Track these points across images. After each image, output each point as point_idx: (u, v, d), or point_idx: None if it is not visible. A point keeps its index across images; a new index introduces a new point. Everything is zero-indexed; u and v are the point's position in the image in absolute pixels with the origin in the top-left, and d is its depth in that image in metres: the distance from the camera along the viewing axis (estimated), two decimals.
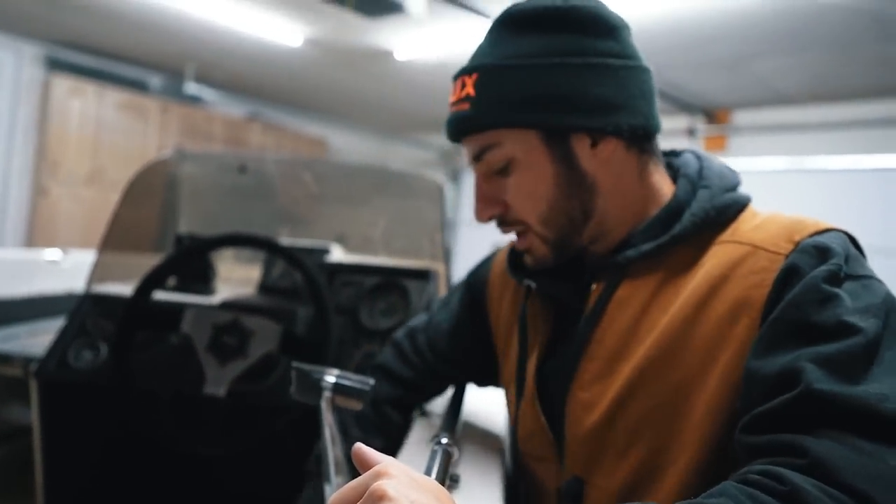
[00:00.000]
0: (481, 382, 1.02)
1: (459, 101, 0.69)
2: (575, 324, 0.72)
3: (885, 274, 0.64)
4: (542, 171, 0.68)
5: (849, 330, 0.53)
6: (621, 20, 0.70)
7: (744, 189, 0.72)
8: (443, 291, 1.45)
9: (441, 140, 7.62)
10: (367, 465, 0.47)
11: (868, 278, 0.58)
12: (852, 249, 0.61)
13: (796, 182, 4.77)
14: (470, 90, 0.68)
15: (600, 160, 0.69)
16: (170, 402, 1.32)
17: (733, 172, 0.73)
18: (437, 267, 1.47)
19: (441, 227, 1.56)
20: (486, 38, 0.71)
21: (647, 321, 0.66)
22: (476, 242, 6.99)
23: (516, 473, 0.90)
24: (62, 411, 1.39)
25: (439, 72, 4.98)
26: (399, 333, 1.04)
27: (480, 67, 0.68)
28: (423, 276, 1.40)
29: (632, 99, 0.68)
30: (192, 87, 5.40)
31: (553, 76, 0.66)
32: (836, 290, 0.56)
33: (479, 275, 0.98)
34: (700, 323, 0.62)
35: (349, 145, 7.86)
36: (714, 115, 5.19)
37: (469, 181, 7.73)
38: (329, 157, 7.59)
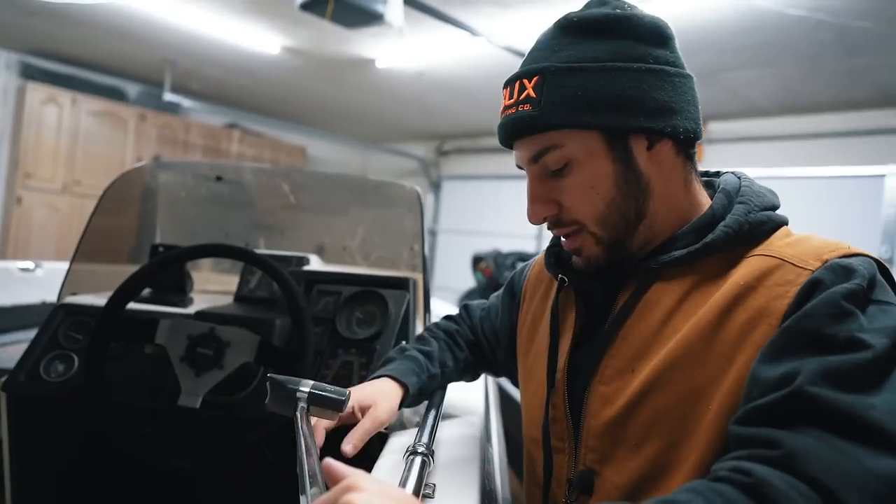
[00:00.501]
0: (500, 373, 1.11)
1: (519, 102, 0.71)
2: (603, 321, 0.75)
3: None
4: (602, 171, 0.71)
5: (858, 345, 0.55)
6: (672, 31, 0.73)
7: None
8: (421, 300, 1.45)
9: (422, 149, 7.64)
10: (338, 479, 0.47)
11: (890, 304, 0.60)
12: (879, 276, 0.62)
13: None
14: (531, 92, 0.70)
15: (655, 162, 0.72)
16: (144, 415, 1.30)
17: (773, 194, 0.76)
18: (416, 276, 1.47)
19: (419, 236, 1.56)
20: (543, 42, 0.73)
21: (672, 324, 0.68)
22: (456, 251, 7.02)
23: (526, 464, 0.92)
24: (33, 425, 1.36)
25: (419, 81, 5.00)
26: (467, 304, 1.15)
27: (542, 70, 0.70)
28: (401, 285, 1.40)
29: (685, 104, 0.72)
30: (170, 96, 5.35)
31: (615, 79, 0.68)
32: (855, 308, 0.57)
33: (520, 272, 1.03)
34: (723, 329, 0.64)
35: (329, 154, 7.84)
36: None
37: (448, 190, 7.74)
38: (308, 166, 7.57)
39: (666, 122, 0.70)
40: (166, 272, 1.36)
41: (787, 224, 0.73)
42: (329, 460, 0.52)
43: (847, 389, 0.52)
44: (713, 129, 5.22)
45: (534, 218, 0.76)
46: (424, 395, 0.99)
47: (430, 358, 1.01)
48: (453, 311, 1.18)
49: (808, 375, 0.53)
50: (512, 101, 0.72)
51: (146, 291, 1.52)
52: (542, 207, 0.74)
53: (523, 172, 0.79)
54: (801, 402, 0.53)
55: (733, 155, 5.12)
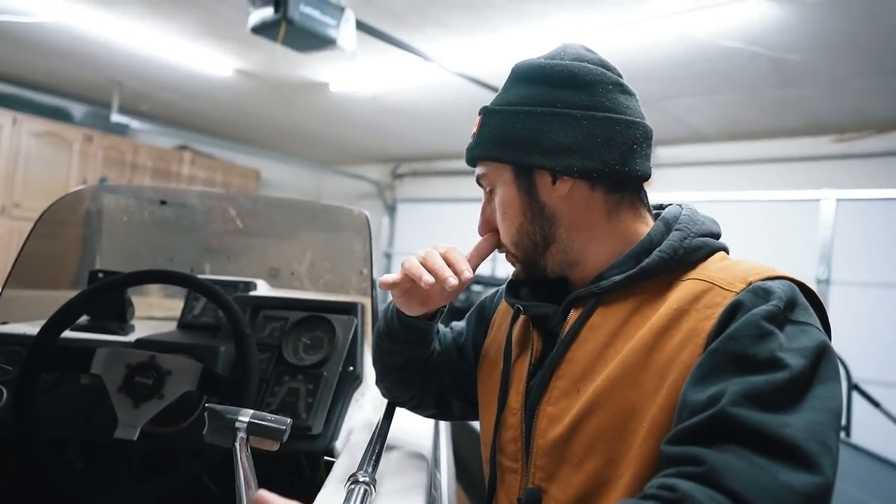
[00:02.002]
0: (456, 399, 1.05)
1: (472, 134, 0.84)
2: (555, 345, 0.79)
3: None
4: (510, 198, 0.81)
5: (777, 365, 0.59)
6: (605, 77, 0.78)
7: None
8: (370, 325, 1.44)
9: (377, 172, 7.64)
10: None
11: (807, 325, 0.64)
12: (800, 297, 0.66)
13: (712, 214, 5.04)
14: (475, 127, 0.84)
15: (560, 195, 0.78)
16: (78, 449, 1.25)
17: (714, 223, 0.81)
18: (364, 300, 1.47)
19: (369, 260, 1.56)
20: (504, 84, 0.85)
21: (614, 346, 0.72)
22: None
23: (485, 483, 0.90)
24: None
25: (373, 105, 5.03)
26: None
27: (483, 110, 0.83)
28: (349, 310, 1.39)
29: (591, 146, 0.76)
30: (117, 117, 5.23)
31: (521, 121, 0.78)
32: (774, 328, 0.61)
33: (492, 297, 1.05)
34: (657, 350, 0.68)
35: (283, 177, 7.76)
36: None
37: (403, 213, 7.74)
38: (262, 189, 7.47)
39: (559, 161, 0.76)
40: (104, 299, 1.31)
41: (725, 250, 0.78)
42: (262, 493, 0.51)
43: (766, 409, 0.56)
44: (660, 153, 5.39)
45: (480, 230, 0.88)
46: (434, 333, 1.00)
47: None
48: None
49: (731, 396, 0.57)
50: (473, 132, 0.84)
51: (83, 319, 1.46)
52: (484, 226, 0.87)
53: (478, 195, 0.89)
54: (723, 421, 0.56)
55: (679, 179, 5.30)
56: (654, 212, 0.85)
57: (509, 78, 0.83)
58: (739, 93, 4.01)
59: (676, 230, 0.76)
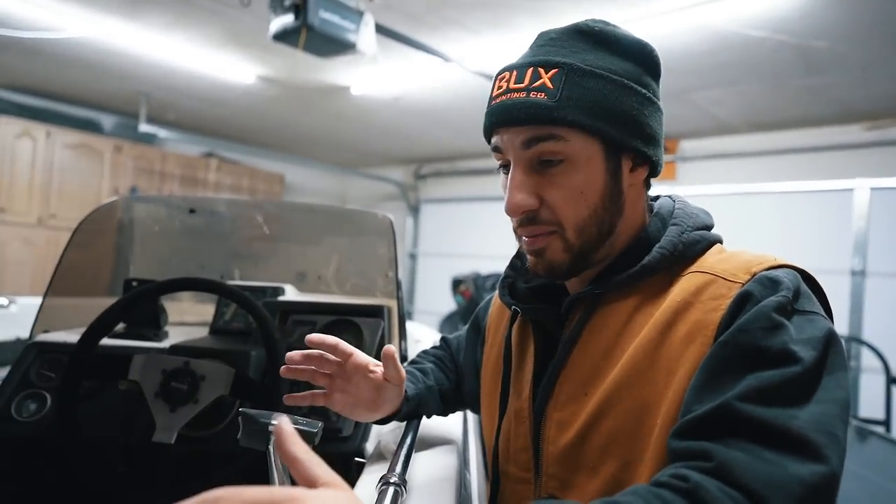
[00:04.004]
0: (463, 405, 1.10)
1: (531, 88, 0.69)
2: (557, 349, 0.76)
3: None
4: (594, 178, 0.71)
5: (790, 358, 0.58)
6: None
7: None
8: (396, 327, 1.46)
9: (400, 174, 7.68)
10: (308, 478, 0.44)
11: (814, 314, 0.63)
12: (803, 286, 0.65)
13: (740, 206, 4.97)
14: (547, 82, 0.68)
15: (631, 184, 0.75)
16: (118, 452, 1.29)
17: (707, 214, 0.79)
18: (390, 303, 1.48)
19: (393, 263, 1.58)
20: (557, 40, 0.73)
21: (619, 346, 0.70)
22: (436, 274, 7.04)
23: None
24: (5, 465, 1.34)
25: (395, 107, 5.06)
26: (444, 337, 1.17)
27: (563, 64, 0.69)
28: (375, 312, 1.41)
29: (662, 138, 0.76)
30: (145, 126, 5.35)
31: (626, 97, 0.70)
32: (784, 319, 0.61)
33: (485, 307, 1.04)
34: (664, 345, 0.66)
35: (307, 181, 7.85)
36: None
37: (427, 214, 7.76)
38: (287, 193, 7.56)
39: (652, 151, 0.74)
40: (139, 307, 1.35)
41: (720, 242, 0.76)
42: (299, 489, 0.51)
43: (775, 403, 0.56)
44: (685, 147, 5.32)
45: (514, 208, 0.72)
46: (423, 407, 0.98)
47: (425, 373, 1.02)
48: (433, 334, 1.19)
49: (742, 390, 0.57)
50: (521, 85, 0.70)
51: (120, 326, 1.51)
52: (525, 198, 0.71)
53: (502, 194, 0.76)
54: (731, 415, 0.56)
55: (705, 172, 5.23)
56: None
57: (582, 34, 0.73)
58: (765, 82, 3.94)
59: (673, 225, 0.75)
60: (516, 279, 0.88)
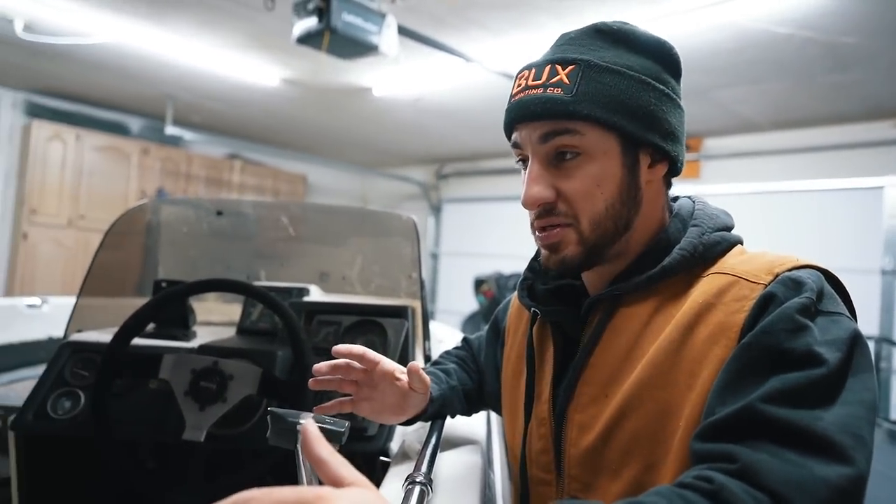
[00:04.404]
0: (486, 405, 1.11)
1: (549, 84, 0.71)
2: (577, 351, 0.77)
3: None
4: (610, 172, 0.72)
5: (815, 360, 0.57)
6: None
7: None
8: (420, 328, 1.47)
9: (421, 173, 7.70)
10: (334, 478, 0.45)
11: (838, 314, 0.62)
12: (827, 286, 0.65)
13: (765, 205, 4.90)
14: (564, 78, 0.70)
15: (649, 181, 0.75)
16: (149, 450, 1.32)
17: (727, 215, 0.79)
18: (414, 304, 1.50)
19: (417, 264, 1.59)
20: (576, 39, 0.75)
21: (639, 347, 0.70)
22: (458, 273, 7.05)
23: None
24: (41, 462, 1.38)
25: (416, 107, 5.07)
26: (466, 337, 1.18)
27: (579, 61, 0.71)
28: (399, 313, 1.43)
29: (683, 136, 0.77)
30: (172, 129, 5.44)
31: (644, 92, 0.72)
32: (808, 321, 0.60)
33: (504, 309, 1.05)
34: (686, 347, 0.66)
35: (330, 181, 7.91)
36: (685, 143, 5.32)
37: (449, 213, 7.76)
38: (309, 194, 7.63)
39: (671, 147, 0.74)
40: (169, 308, 1.38)
41: (741, 243, 0.76)
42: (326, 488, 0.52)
43: (800, 405, 0.55)
44: (709, 145, 5.26)
45: (532, 201, 0.73)
46: (447, 408, 0.99)
47: (448, 374, 1.03)
48: (455, 334, 1.20)
49: (766, 391, 0.57)
50: (539, 81, 0.72)
51: (150, 326, 1.54)
52: (542, 191, 0.72)
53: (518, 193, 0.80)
54: (755, 417, 0.56)
55: (729, 170, 5.16)
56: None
57: (599, 33, 0.74)
58: (791, 79, 3.88)
59: (693, 226, 0.75)
60: (535, 281, 0.89)
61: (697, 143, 5.30)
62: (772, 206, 4.87)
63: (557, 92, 0.70)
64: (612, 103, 0.70)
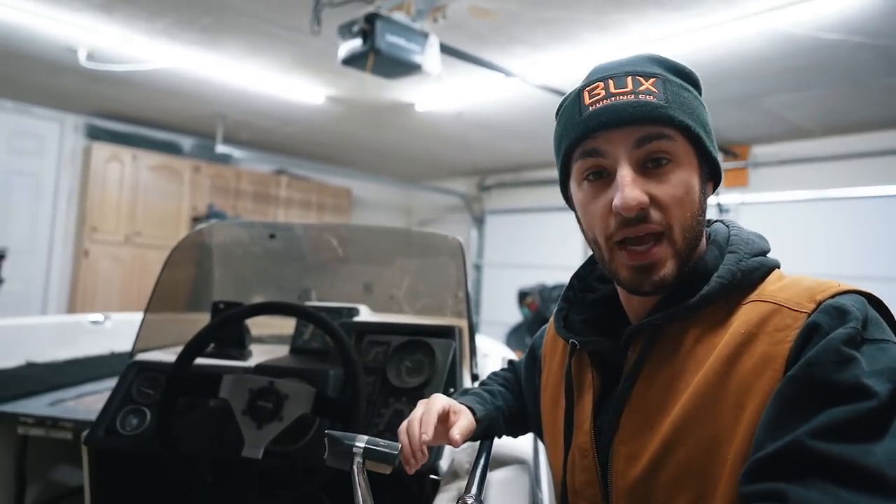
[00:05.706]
0: (526, 431, 1.13)
1: (639, 91, 0.71)
2: (619, 382, 0.77)
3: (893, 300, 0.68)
4: (694, 181, 0.73)
5: (864, 393, 0.56)
6: None
7: (768, 224, 0.78)
8: (467, 347, 1.50)
9: (464, 185, 7.74)
10: None
11: (885, 342, 0.61)
12: (871, 312, 0.64)
13: (815, 212, 4.75)
14: (650, 87, 0.71)
15: (706, 199, 0.77)
16: (209, 465, 1.38)
17: (762, 239, 0.78)
18: (461, 323, 1.53)
19: (463, 284, 1.62)
20: (637, 61, 0.76)
21: (682, 378, 0.70)
22: (501, 285, 7.04)
23: None
24: (111, 475, 1.46)
25: (458, 121, 5.13)
26: (511, 360, 1.20)
27: (658, 75, 0.72)
28: (447, 333, 1.45)
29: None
30: (221, 147, 5.64)
31: (705, 112, 0.76)
32: (854, 352, 0.59)
33: (540, 335, 1.06)
34: (730, 377, 0.65)
35: (373, 194, 8.03)
36: (732, 150, 5.22)
37: (492, 225, 7.77)
38: (354, 207, 7.75)
39: (718, 168, 0.77)
40: (228, 329, 1.45)
41: (778, 267, 0.75)
42: None
43: (850, 439, 0.54)
44: (757, 152, 5.14)
45: (634, 204, 0.69)
46: (493, 428, 1.01)
47: (493, 395, 1.04)
48: (500, 348, 1.22)
49: (814, 426, 0.56)
50: (626, 89, 0.71)
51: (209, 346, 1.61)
52: (640, 195, 0.69)
53: (562, 204, 0.82)
54: (804, 454, 0.55)
55: (778, 178, 5.03)
56: None
57: (650, 59, 0.76)
58: (842, 85, 3.78)
59: (730, 252, 0.74)
60: (569, 311, 0.89)
61: (745, 151, 5.19)
62: (824, 214, 4.72)
63: (651, 98, 0.70)
64: (693, 115, 0.72)
